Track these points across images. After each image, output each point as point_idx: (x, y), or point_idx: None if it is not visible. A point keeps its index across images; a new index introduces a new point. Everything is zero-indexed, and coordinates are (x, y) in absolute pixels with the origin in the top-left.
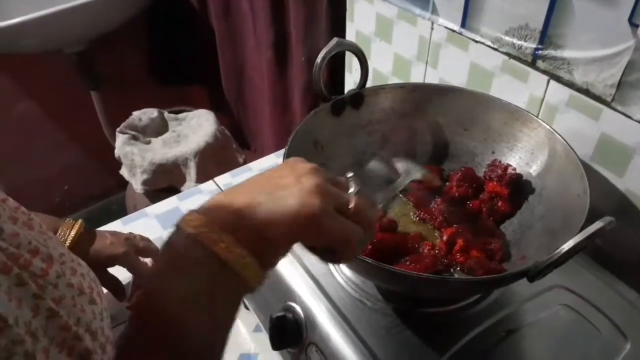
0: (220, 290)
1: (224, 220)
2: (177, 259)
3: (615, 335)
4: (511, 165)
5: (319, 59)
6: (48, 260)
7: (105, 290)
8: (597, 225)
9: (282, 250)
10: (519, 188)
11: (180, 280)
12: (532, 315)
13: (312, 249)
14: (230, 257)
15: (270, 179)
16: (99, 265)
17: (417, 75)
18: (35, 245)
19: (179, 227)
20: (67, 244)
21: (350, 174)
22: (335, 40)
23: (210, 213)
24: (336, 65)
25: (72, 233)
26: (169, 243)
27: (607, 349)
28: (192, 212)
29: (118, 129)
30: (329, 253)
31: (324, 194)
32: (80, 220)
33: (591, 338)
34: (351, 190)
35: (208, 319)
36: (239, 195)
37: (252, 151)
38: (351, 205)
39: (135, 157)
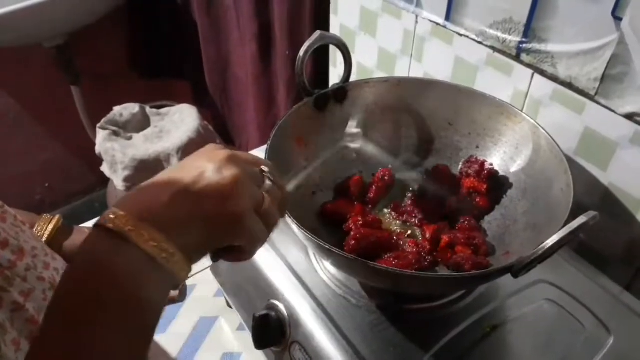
0: (149, 287)
1: (151, 217)
2: (101, 259)
3: (598, 330)
4: (487, 161)
5: (301, 53)
6: (18, 253)
7: None
8: (581, 219)
9: (207, 247)
10: (496, 183)
11: (106, 282)
12: (516, 311)
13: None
14: (160, 254)
15: (189, 171)
16: None
17: (402, 69)
18: (4, 237)
19: (101, 226)
20: (44, 238)
21: (266, 168)
22: (318, 33)
23: (135, 210)
24: (321, 59)
25: (50, 227)
26: (92, 245)
27: (590, 343)
28: (114, 210)
29: (99, 125)
30: (230, 253)
31: (245, 190)
32: (58, 216)
33: (575, 332)
34: (265, 187)
35: (138, 318)
36: (161, 191)
37: (237, 147)
38: (265, 206)
39: (116, 153)
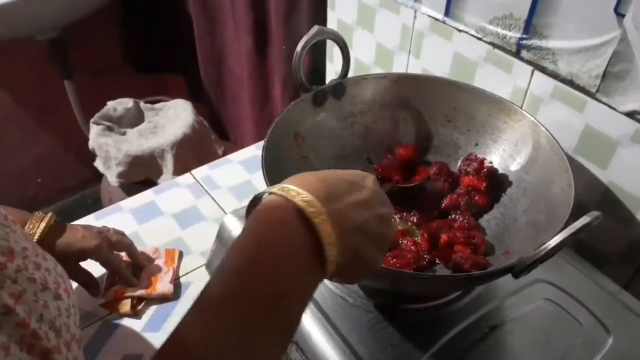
0: (311, 272)
1: (333, 214)
2: (283, 237)
3: (597, 329)
4: (487, 159)
5: (299, 48)
6: (8, 254)
7: (75, 284)
8: (584, 220)
9: (349, 262)
10: (496, 181)
11: (283, 261)
12: (515, 310)
13: None
14: (331, 252)
15: (361, 187)
16: (70, 259)
17: (400, 65)
18: None
19: (286, 199)
20: (36, 237)
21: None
22: (316, 28)
23: (324, 201)
24: (317, 55)
25: (42, 225)
26: (279, 218)
27: (590, 343)
28: (304, 193)
29: (92, 120)
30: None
31: (389, 217)
32: (50, 213)
33: (574, 332)
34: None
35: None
36: (345, 194)
37: (232, 142)
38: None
39: (110, 149)
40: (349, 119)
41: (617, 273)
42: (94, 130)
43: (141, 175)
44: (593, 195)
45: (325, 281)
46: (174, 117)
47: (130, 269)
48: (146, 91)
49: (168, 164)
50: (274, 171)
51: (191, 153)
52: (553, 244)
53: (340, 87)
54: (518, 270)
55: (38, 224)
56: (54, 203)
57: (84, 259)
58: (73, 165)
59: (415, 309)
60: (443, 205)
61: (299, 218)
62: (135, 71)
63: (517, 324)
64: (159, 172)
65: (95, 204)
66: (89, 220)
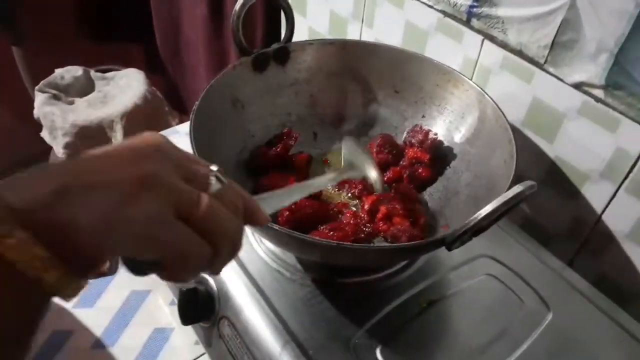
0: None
1: (20, 209)
2: None
3: (538, 306)
4: (432, 131)
5: (237, 7)
6: None
7: None
8: (516, 189)
9: (100, 259)
10: (440, 154)
11: None
12: (455, 285)
13: (130, 259)
14: (22, 256)
15: (103, 158)
16: None
17: (353, 34)
18: None
19: None
20: None
21: (215, 167)
22: None
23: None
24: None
25: None
26: None
27: (529, 319)
28: None
29: (37, 87)
30: (152, 267)
31: (159, 190)
32: None
33: (514, 308)
34: (212, 188)
35: None
36: (51, 177)
37: (188, 114)
38: (201, 209)
39: (55, 118)
40: (294, 86)
41: (562, 250)
42: (39, 99)
43: (89, 146)
44: (540, 170)
45: (262, 255)
46: (126, 87)
47: None
48: (102, 59)
49: (117, 136)
50: (207, 145)
51: (142, 125)
52: (484, 214)
53: (284, 51)
54: (449, 241)
55: None
56: (4, 175)
57: None
58: (24, 137)
59: (353, 283)
60: (386, 177)
61: None
62: (90, 38)
63: (457, 299)
64: (109, 144)
65: None
66: None
